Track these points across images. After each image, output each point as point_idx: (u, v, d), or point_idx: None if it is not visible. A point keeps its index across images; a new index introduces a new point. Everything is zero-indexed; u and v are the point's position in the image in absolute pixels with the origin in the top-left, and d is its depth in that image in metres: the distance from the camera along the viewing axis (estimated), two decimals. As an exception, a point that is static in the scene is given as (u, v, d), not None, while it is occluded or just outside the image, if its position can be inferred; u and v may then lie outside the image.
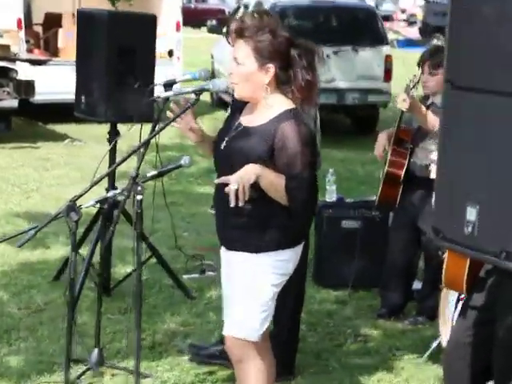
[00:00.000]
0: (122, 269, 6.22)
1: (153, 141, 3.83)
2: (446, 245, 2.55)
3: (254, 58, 3.50)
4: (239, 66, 3.54)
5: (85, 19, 5.66)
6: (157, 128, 3.83)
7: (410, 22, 32.89)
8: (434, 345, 4.94)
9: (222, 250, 3.75)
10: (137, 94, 5.56)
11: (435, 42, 25.56)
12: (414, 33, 29.94)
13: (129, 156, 3.77)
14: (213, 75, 15.94)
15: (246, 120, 3.62)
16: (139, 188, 3.86)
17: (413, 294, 5.82)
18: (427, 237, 5.54)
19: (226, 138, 3.60)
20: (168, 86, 4.03)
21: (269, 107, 3.53)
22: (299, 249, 3.63)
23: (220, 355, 4.79)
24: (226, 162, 3.53)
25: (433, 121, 5.17)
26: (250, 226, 3.54)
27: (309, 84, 3.53)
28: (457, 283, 3.49)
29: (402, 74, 11.43)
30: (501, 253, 2.34)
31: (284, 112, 3.50)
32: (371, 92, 12.53)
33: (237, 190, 3.34)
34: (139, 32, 5.56)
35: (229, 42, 3.68)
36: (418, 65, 5.54)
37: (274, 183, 3.44)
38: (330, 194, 6.50)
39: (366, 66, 12.52)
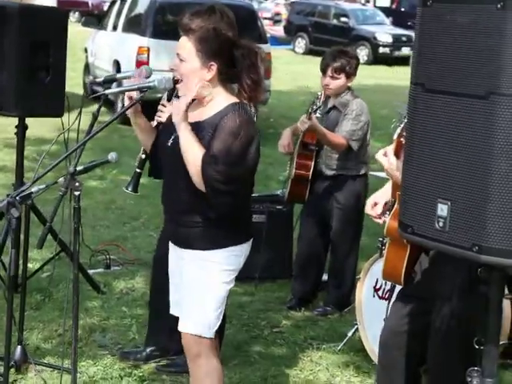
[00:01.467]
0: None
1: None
2: (416, 239, 2.70)
3: (196, 56, 3.57)
4: (182, 63, 3.60)
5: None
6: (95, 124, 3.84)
7: (275, 21, 33.43)
8: (350, 333, 5.14)
9: (172, 246, 3.79)
10: (48, 89, 5.54)
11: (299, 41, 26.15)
12: (279, 31, 30.42)
13: (73, 151, 3.75)
14: (87, 68, 15.79)
15: (191, 116, 3.67)
16: (77, 184, 3.86)
17: (321, 284, 6.03)
18: (335, 230, 5.77)
19: (173, 135, 3.64)
20: (107, 82, 4.05)
21: (212, 102, 3.61)
22: (249, 244, 3.72)
23: (156, 354, 4.89)
24: (174, 158, 3.57)
25: (333, 138, 5.49)
26: (202, 223, 3.59)
27: (254, 83, 3.63)
28: (395, 275, 3.66)
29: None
30: (473, 246, 2.51)
31: (228, 106, 3.57)
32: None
33: None
34: (52, 26, 5.50)
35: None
36: (322, 69, 5.71)
37: (192, 147, 3.47)
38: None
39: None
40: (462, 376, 3.57)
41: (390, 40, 25.50)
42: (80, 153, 3.85)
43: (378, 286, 4.96)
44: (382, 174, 6.42)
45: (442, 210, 2.59)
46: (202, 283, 3.61)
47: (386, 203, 3.73)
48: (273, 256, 6.30)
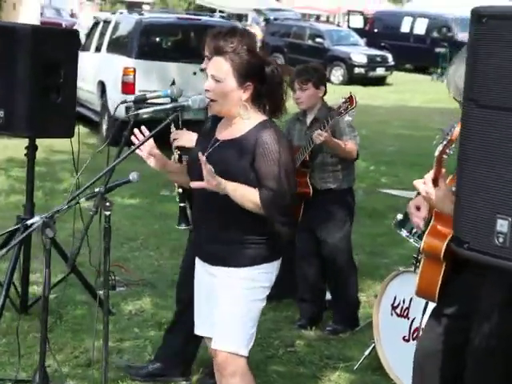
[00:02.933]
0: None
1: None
2: (472, 255, 2.73)
3: (233, 76, 3.59)
4: (218, 84, 3.61)
5: (5, 33, 5.53)
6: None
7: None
8: (367, 352, 5.15)
9: (201, 265, 3.79)
10: (59, 110, 5.54)
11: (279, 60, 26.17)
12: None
13: (101, 175, 3.75)
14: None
15: (223, 134, 3.70)
16: (107, 204, 3.87)
17: (325, 302, 6.05)
18: (331, 245, 5.76)
19: (205, 153, 3.66)
20: (137, 102, 4.06)
21: (244, 121, 3.64)
22: (279, 261, 3.74)
23: (158, 373, 4.87)
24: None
25: (346, 145, 5.50)
26: (237, 240, 3.61)
27: (281, 99, 3.69)
28: (430, 291, 3.67)
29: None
30: (536, 263, 2.55)
31: (261, 122, 3.62)
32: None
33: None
34: (63, 47, 5.51)
35: None
36: (290, 87, 5.67)
37: (247, 198, 3.54)
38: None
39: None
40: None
41: (364, 60, 25.67)
42: (110, 173, 3.86)
43: (395, 304, 4.98)
44: (394, 192, 6.47)
45: (502, 225, 2.62)
46: (239, 300, 3.62)
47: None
48: (278, 275, 6.29)
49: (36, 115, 5.41)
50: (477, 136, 2.70)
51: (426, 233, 3.56)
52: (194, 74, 12.35)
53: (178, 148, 4.41)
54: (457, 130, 3.20)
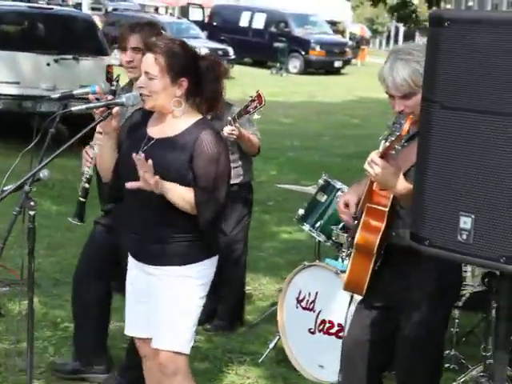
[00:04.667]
0: None
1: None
2: (434, 251, 2.83)
3: (166, 73, 3.56)
4: (152, 80, 3.57)
5: None
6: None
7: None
8: (272, 344, 5.24)
9: (136, 264, 3.74)
10: None
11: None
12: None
13: (33, 174, 3.64)
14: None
15: (156, 132, 3.66)
16: (32, 203, 3.75)
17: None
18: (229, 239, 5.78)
19: (140, 151, 3.60)
20: (63, 99, 3.96)
21: (178, 118, 3.62)
22: (216, 256, 3.74)
23: (80, 370, 4.83)
24: None
25: (256, 140, 5.52)
26: (176, 239, 3.58)
27: (217, 95, 3.69)
28: (358, 285, 3.76)
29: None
30: (500, 257, 2.67)
31: (198, 121, 3.61)
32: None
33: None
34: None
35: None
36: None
37: (182, 198, 3.52)
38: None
39: (87, 75, 12.51)
40: (431, 382, 3.79)
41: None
42: (35, 170, 3.74)
43: (300, 298, 5.08)
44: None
45: (466, 222, 2.74)
46: (180, 299, 3.61)
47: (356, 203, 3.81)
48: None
49: None
50: (439, 136, 2.81)
51: (360, 228, 3.65)
52: (48, 64, 12.08)
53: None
54: (406, 126, 3.29)
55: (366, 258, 3.69)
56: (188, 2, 34.79)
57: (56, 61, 12.16)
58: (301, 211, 5.27)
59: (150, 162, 3.41)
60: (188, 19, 30.47)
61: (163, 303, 3.62)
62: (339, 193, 5.11)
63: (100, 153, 3.76)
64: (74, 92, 3.93)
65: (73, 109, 3.72)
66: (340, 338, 4.86)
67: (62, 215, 8.10)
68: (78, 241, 7.75)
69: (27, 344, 3.85)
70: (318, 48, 28.61)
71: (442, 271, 3.60)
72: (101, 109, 3.63)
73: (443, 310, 3.75)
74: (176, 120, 3.62)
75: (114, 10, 28.57)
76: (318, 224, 5.15)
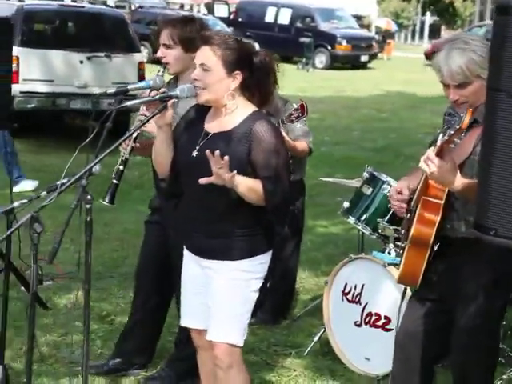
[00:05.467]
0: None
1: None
2: (501, 241, 2.84)
3: (222, 66, 3.60)
4: (207, 72, 3.60)
5: None
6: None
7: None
8: (317, 337, 5.27)
9: (192, 257, 3.77)
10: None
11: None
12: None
13: (99, 160, 3.69)
14: None
15: (212, 127, 3.69)
16: (89, 197, 3.80)
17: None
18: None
19: (197, 147, 3.64)
20: (119, 94, 4.01)
21: (233, 111, 3.64)
22: (271, 250, 3.77)
23: (119, 368, 4.85)
24: (202, 171, 3.56)
25: (304, 146, 5.51)
26: (233, 233, 3.62)
27: (269, 89, 3.72)
28: (413, 279, 3.77)
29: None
30: None
31: (253, 113, 3.64)
32: (126, 97, 12.61)
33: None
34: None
35: None
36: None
37: (252, 190, 3.55)
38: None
39: (119, 73, 12.60)
40: (486, 374, 3.79)
41: (233, 50, 25.80)
42: (92, 165, 3.80)
43: (346, 290, 5.10)
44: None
45: (532, 213, 2.76)
46: (236, 292, 3.64)
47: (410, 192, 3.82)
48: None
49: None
50: (506, 125, 2.80)
51: (415, 221, 3.66)
52: (81, 62, 12.17)
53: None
54: (466, 119, 3.29)
55: (421, 250, 3.70)
56: (213, -1, 34.91)
57: (89, 58, 12.25)
58: (346, 204, 5.28)
59: (226, 158, 3.42)
60: (213, 15, 30.50)
61: (219, 296, 3.65)
62: (385, 185, 5.13)
63: (155, 149, 3.78)
64: (129, 87, 3.97)
65: (128, 103, 3.77)
66: (387, 330, 4.89)
67: (99, 210, 8.15)
68: (116, 235, 7.84)
69: (83, 335, 3.89)
70: (344, 42, 28.55)
71: (497, 262, 3.62)
72: (155, 102, 3.65)
73: (499, 301, 3.76)
74: (232, 114, 3.65)
75: (140, 7, 28.62)
76: (363, 217, 5.17)
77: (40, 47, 12.42)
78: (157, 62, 5.19)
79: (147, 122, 3.69)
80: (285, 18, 29.58)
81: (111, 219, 8.33)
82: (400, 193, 3.81)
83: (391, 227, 4.98)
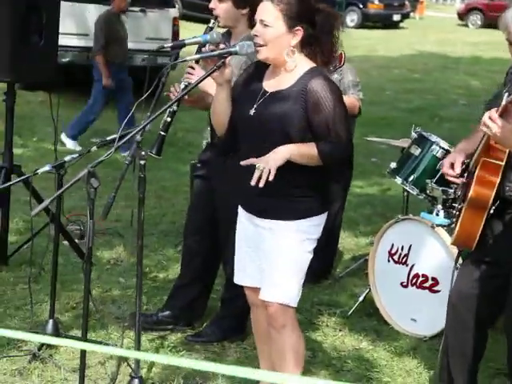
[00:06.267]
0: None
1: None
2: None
3: (282, 21, 3.53)
4: (267, 28, 3.53)
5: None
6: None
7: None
8: (362, 297, 5.25)
9: (247, 216, 3.74)
10: (41, 54, 5.34)
11: None
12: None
13: (155, 117, 3.66)
14: None
15: (271, 85, 3.62)
16: (143, 153, 3.78)
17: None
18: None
19: (255, 105, 3.60)
20: (175, 47, 3.98)
21: (292, 69, 3.58)
22: (327, 212, 3.73)
23: (167, 321, 4.83)
24: (260, 130, 3.54)
25: (354, 102, 5.48)
26: (290, 193, 3.58)
27: (332, 47, 3.63)
28: (469, 241, 3.72)
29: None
30: None
31: (309, 70, 3.56)
32: (159, 54, 12.57)
33: (261, 172, 3.41)
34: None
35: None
36: None
37: (306, 156, 3.50)
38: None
39: (154, 28, 12.53)
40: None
41: None
42: (147, 122, 3.76)
43: (393, 251, 5.07)
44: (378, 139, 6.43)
45: None
46: (292, 253, 3.61)
47: (463, 163, 3.79)
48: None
49: (18, 59, 5.20)
50: None
51: (474, 182, 3.61)
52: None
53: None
54: None
55: (479, 212, 3.65)
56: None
57: (124, 12, 12.15)
58: (393, 164, 5.23)
59: (253, 160, 3.45)
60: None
61: (274, 256, 3.62)
62: (434, 146, 5.06)
63: (214, 107, 3.73)
64: (186, 41, 3.94)
65: (188, 58, 3.74)
66: (434, 292, 4.87)
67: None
68: (154, 193, 7.83)
69: (136, 291, 3.91)
70: (376, 1, 28.21)
71: None
72: (214, 58, 3.59)
73: None
74: (290, 72, 3.58)
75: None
76: (411, 178, 5.12)
77: (75, 1, 12.35)
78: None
79: (206, 77, 3.63)
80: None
81: (147, 177, 8.32)
82: (452, 165, 3.77)
83: (440, 188, 4.93)
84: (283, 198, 3.59)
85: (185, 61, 3.77)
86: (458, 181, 3.77)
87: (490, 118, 3.32)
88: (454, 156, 3.83)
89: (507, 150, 3.52)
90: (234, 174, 3.74)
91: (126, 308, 5.08)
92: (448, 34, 27.20)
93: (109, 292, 5.36)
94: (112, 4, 9.97)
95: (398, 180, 5.20)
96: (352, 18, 28.26)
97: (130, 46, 12.22)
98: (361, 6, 28.21)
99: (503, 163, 3.56)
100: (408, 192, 5.35)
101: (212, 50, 3.59)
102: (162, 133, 4.38)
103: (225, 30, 4.53)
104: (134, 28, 12.20)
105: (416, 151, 5.14)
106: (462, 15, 31.73)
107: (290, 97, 3.54)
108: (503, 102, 3.31)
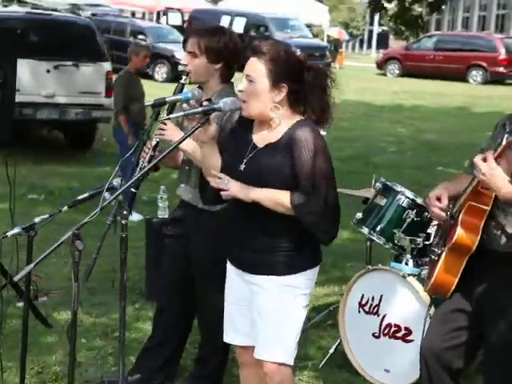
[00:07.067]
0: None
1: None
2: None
3: (266, 77, 3.51)
4: (251, 84, 3.52)
5: None
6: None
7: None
8: (332, 349, 5.20)
9: (237, 272, 3.68)
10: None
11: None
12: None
13: (136, 178, 3.60)
14: None
15: (260, 139, 3.60)
16: (124, 212, 3.69)
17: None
18: None
19: (245, 160, 3.56)
20: (156, 106, 3.92)
21: (277, 124, 3.55)
22: (318, 266, 3.69)
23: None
24: (249, 184, 3.50)
25: None
26: (283, 248, 3.53)
27: (324, 106, 3.61)
28: (445, 288, 3.71)
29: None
30: None
31: (297, 122, 3.54)
32: (93, 107, 12.47)
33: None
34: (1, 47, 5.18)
35: None
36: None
37: (276, 202, 3.47)
38: (162, 211, 6.54)
39: (86, 82, 12.42)
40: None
41: (188, 58, 25.69)
42: (130, 183, 3.70)
43: (363, 302, 5.05)
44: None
45: None
46: (285, 309, 3.55)
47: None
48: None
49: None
50: None
51: (459, 226, 3.61)
52: (48, 71, 11.97)
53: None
54: None
55: (460, 257, 3.66)
56: (166, 7, 34.66)
57: (56, 67, 12.06)
58: (359, 215, 5.23)
59: (221, 176, 3.48)
60: (167, 23, 30.30)
61: (268, 313, 3.56)
62: (399, 196, 5.09)
63: (203, 162, 3.70)
64: (167, 99, 3.89)
65: (171, 116, 3.70)
66: (407, 341, 4.85)
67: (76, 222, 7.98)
68: (107, 249, 7.65)
69: (119, 352, 3.78)
70: (298, 52, 28.53)
71: None
72: (197, 116, 3.55)
73: None
74: (278, 126, 3.55)
75: (93, 15, 28.33)
76: (378, 228, 5.12)
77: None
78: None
79: (190, 135, 3.57)
80: (239, 26, 29.45)
81: (93, 233, 8.15)
82: (439, 199, 3.76)
83: (408, 238, 4.95)
84: (273, 254, 3.54)
85: (169, 118, 3.72)
86: (443, 214, 3.76)
87: (483, 159, 3.35)
88: (439, 190, 3.79)
89: (493, 195, 3.54)
90: (220, 229, 3.68)
91: (92, 371, 4.93)
92: (369, 83, 27.72)
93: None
94: (129, 63, 9.64)
95: (365, 230, 5.20)
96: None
97: (63, 100, 12.16)
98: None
99: (488, 208, 3.58)
100: (371, 242, 5.37)
101: (194, 107, 3.55)
102: (133, 190, 4.28)
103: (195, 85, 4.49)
104: (66, 82, 12.11)
105: (381, 201, 5.16)
106: (381, 64, 32.42)
107: (278, 149, 3.51)
108: (503, 142, 3.32)
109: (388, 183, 5.19)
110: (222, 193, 3.50)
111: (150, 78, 25.61)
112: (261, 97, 3.51)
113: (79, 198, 4.24)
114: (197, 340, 4.89)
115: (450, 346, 3.76)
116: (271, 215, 3.48)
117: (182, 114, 3.59)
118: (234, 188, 3.48)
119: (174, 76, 25.02)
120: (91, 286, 6.56)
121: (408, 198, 5.07)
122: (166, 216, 6.44)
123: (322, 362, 5.19)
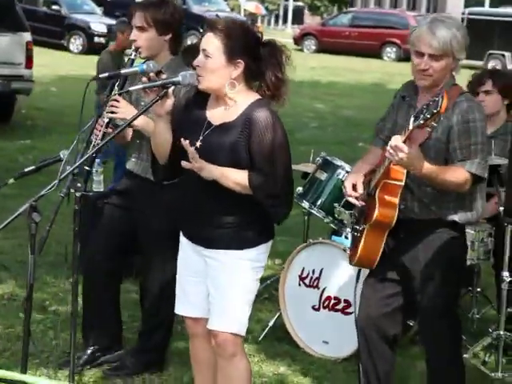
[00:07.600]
0: None
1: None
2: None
3: (223, 52, 3.51)
4: (208, 59, 3.52)
5: None
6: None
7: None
8: (272, 322, 5.26)
9: (192, 246, 3.70)
10: None
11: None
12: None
13: (89, 155, 3.57)
14: None
15: (215, 117, 3.59)
16: (78, 184, 3.66)
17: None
18: None
19: (200, 137, 3.56)
20: (111, 78, 3.89)
21: (235, 101, 3.56)
22: (271, 241, 3.73)
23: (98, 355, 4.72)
24: (206, 161, 3.49)
25: None
26: (236, 224, 3.56)
27: (278, 81, 3.61)
28: (370, 260, 3.86)
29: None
30: None
31: (254, 102, 3.55)
32: (13, 79, 12.22)
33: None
34: None
35: None
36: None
37: (235, 182, 3.51)
38: (98, 185, 6.47)
39: (6, 52, 12.15)
40: (455, 347, 3.94)
41: (104, 30, 25.35)
42: (82, 160, 3.68)
43: (304, 275, 5.13)
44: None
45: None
46: (242, 282, 3.60)
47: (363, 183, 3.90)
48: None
49: None
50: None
51: (377, 204, 3.73)
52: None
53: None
54: (444, 103, 3.33)
55: (381, 232, 3.81)
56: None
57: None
58: (299, 189, 5.29)
59: (192, 149, 3.43)
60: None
61: (224, 286, 3.60)
62: (339, 170, 5.17)
63: (155, 138, 3.67)
64: (122, 71, 3.86)
65: (130, 89, 3.67)
66: (347, 314, 4.95)
67: (13, 197, 7.86)
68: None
69: (70, 327, 3.76)
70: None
71: (450, 242, 3.81)
72: (155, 88, 3.53)
73: (455, 277, 3.93)
74: (234, 104, 3.56)
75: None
76: (318, 202, 5.20)
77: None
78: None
79: (149, 108, 3.55)
80: None
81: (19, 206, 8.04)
82: (354, 187, 3.88)
83: (347, 212, 5.03)
84: (227, 228, 3.57)
85: (128, 91, 3.68)
86: (358, 203, 3.89)
87: (396, 146, 3.45)
88: (354, 177, 3.96)
89: (405, 171, 3.67)
90: (171, 202, 3.70)
91: (36, 343, 4.86)
92: (286, 58, 27.80)
93: (12, 328, 5.13)
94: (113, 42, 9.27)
95: (305, 204, 5.27)
96: (193, 41, 28.39)
97: (-19, 70, 11.88)
98: (201, 30, 28.38)
99: (402, 183, 3.72)
100: (309, 216, 5.45)
101: (153, 80, 3.53)
102: (87, 168, 4.23)
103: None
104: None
105: (322, 176, 5.23)
106: (298, 40, 32.56)
107: (235, 129, 3.52)
108: (410, 127, 3.44)
109: (328, 158, 5.27)
110: (182, 162, 3.48)
111: (65, 49, 25.23)
112: (217, 72, 3.51)
113: (25, 170, 4.19)
114: (135, 314, 4.89)
115: (384, 312, 3.95)
116: (226, 192, 3.50)
117: (141, 86, 3.55)
118: (201, 165, 3.46)
119: (90, 48, 24.72)
120: (21, 260, 6.46)
121: (348, 172, 5.14)
122: (102, 189, 6.39)
123: (262, 335, 5.24)
